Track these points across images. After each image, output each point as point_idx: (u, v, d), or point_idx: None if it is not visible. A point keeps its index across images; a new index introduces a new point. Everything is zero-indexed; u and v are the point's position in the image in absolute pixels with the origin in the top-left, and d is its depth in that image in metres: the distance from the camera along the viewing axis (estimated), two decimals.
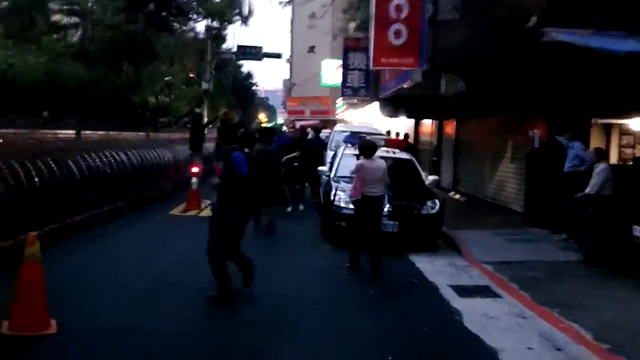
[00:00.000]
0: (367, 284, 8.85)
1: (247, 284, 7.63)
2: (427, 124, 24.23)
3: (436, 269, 9.95)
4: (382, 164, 9.77)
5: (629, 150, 16.18)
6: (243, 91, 57.56)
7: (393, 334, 6.68)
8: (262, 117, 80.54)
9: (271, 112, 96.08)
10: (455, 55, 12.42)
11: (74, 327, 6.11)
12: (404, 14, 13.34)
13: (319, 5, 32.55)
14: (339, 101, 35.18)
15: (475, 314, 7.54)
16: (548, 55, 10.83)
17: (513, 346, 6.42)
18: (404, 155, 13.53)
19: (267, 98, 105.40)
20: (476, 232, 13.01)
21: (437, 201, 11.78)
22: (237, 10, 31.85)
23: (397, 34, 13.41)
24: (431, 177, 13.26)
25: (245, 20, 32.03)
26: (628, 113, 13.21)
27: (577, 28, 10.71)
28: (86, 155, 11.69)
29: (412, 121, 25.29)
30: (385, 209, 11.07)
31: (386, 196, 11.14)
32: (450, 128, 21.08)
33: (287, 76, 66.61)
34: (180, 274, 8.58)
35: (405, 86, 16.18)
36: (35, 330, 5.73)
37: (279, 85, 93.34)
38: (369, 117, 27.11)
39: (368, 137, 14.29)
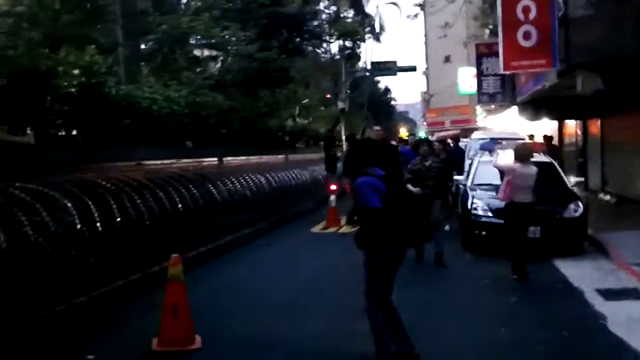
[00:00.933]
0: (510, 292, 8.63)
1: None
2: (571, 125, 23.23)
3: (581, 273, 9.50)
4: (535, 170, 9.52)
5: None
6: (382, 107, 58.00)
7: (534, 341, 6.48)
8: (402, 130, 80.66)
9: (411, 125, 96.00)
10: (590, 52, 11.91)
11: (217, 341, 6.45)
12: (532, 15, 12.94)
13: (451, 14, 32.27)
14: (478, 109, 34.54)
15: (620, 317, 7.16)
16: None
17: None
18: (544, 159, 13.07)
19: (406, 112, 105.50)
20: (625, 233, 12.27)
21: (579, 203, 11.28)
22: (369, 28, 32.31)
23: (527, 35, 13.03)
24: (574, 179, 12.76)
25: (377, 37, 32.45)
26: None
27: None
28: (227, 181, 12.30)
29: (555, 123, 24.36)
30: None
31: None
32: (595, 127, 20.08)
33: (424, 88, 66.23)
34: (320, 292, 8.77)
35: (541, 88, 15.64)
36: (182, 346, 6.10)
37: (418, 98, 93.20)
38: (509, 122, 26.39)
39: (504, 142, 14.10)
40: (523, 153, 9.51)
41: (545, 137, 19.88)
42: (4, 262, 5.94)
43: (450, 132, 38.49)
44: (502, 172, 9.92)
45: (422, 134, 52.87)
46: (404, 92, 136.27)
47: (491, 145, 14.29)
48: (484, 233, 11.04)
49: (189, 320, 6.20)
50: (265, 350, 6.29)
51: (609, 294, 8.24)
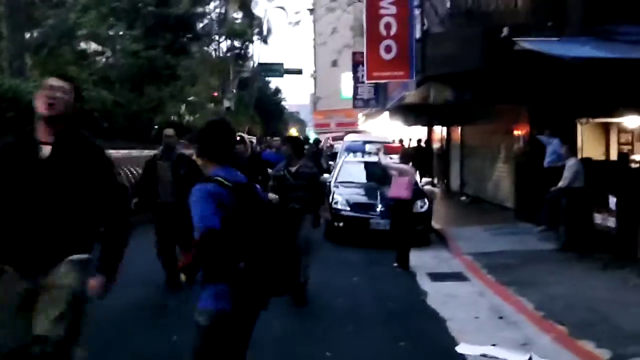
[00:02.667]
0: (354, 273, 9.95)
1: None
2: (438, 131, 25.23)
3: (421, 261, 10.96)
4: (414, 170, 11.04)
5: (627, 147, 17.03)
6: (272, 107, 59.10)
7: (366, 309, 7.82)
8: (292, 131, 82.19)
9: (302, 126, 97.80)
10: (441, 65, 13.45)
11: None
12: (393, 31, 14.49)
13: (337, 20, 33.86)
14: (359, 112, 36.39)
15: (439, 294, 8.64)
16: (525, 61, 11.80)
17: (462, 317, 7.49)
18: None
19: (298, 112, 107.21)
20: (468, 228, 14.04)
21: (425, 200, 12.84)
22: (257, 30, 33.39)
23: (388, 49, 14.58)
24: (425, 180, 14.38)
25: (265, 39, 33.55)
26: (612, 113, 14.10)
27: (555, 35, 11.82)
28: None
29: (425, 128, 26.30)
30: (378, 209, 12.33)
31: (379, 198, 12.44)
32: (456, 133, 22.09)
33: (313, 90, 67.99)
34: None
35: (403, 96, 17.29)
36: None
37: (309, 100, 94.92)
38: (385, 127, 28.18)
39: (370, 145, 15.61)
40: (408, 155, 11.02)
41: (398, 140, 21.67)
42: None
43: (335, 134, 40.14)
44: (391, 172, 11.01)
45: (311, 134, 54.43)
46: (296, 93, 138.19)
47: (359, 147, 15.84)
48: (341, 224, 12.39)
49: None
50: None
51: (437, 277, 9.77)
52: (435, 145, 25.41)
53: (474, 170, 19.65)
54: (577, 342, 6.34)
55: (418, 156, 21.96)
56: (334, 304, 8.00)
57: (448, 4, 13.66)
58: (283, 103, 73.10)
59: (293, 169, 7.90)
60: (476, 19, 13.00)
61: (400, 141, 24.06)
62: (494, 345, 6.35)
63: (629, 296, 8.03)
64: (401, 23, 14.48)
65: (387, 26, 14.53)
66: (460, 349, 6.29)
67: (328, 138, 35.08)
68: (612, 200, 10.05)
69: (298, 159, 8.01)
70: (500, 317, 7.47)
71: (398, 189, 10.59)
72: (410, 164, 11.25)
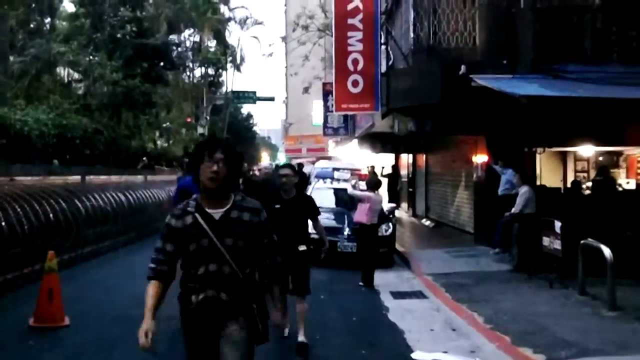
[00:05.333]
0: (321, 291, 10.75)
1: None
2: (405, 158, 26.25)
3: (384, 280, 11.83)
4: (381, 197, 11.95)
5: (583, 175, 18.12)
6: (244, 131, 59.94)
7: (332, 322, 8.64)
8: (264, 155, 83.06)
9: (273, 151, 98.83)
10: (405, 98, 14.39)
11: (83, 320, 8.08)
12: (360, 66, 15.48)
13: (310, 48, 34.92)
14: (329, 139, 37.39)
15: (400, 309, 9.52)
16: (481, 95, 12.77)
17: (418, 328, 8.37)
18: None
19: (269, 137, 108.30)
20: (430, 251, 14.96)
21: (390, 224, 13.74)
22: (231, 58, 34.28)
23: (355, 83, 15.56)
24: (389, 205, 15.30)
25: (238, 67, 34.44)
26: (566, 143, 15.11)
27: (509, 73, 12.86)
28: (90, 197, 13.73)
29: (392, 156, 27.34)
30: (345, 233, 13.19)
31: (346, 222, 13.30)
32: (421, 161, 23.10)
33: (284, 116, 69.03)
34: None
35: (370, 126, 18.25)
36: (53, 323, 7.72)
37: (280, 125, 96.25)
38: (354, 153, 29.18)
39: (339, 172, 16.46)
40: (374, 183, 11.92)
41: (370, 167, 22.64)
42: None
43: (305, 159, 41.00)
44: (357, 200, 12.11)
45: (282, 159, 55.28)
46: (267, 118, 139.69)
47: (328, 173, 16.71)
48: (312, 247, 13.16)
49: (60, 304, 7.82)
50: (117, 325, 7.96)
51: (398, 295, 10.65)
52: (403, 171, 26.43)
53: (438, 196, 20.64)
54: (518, 348, 7.21)
55: (389, 182, 23.08)
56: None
57: (411, 42, 14.62)
58: (255, 128, 73.95)
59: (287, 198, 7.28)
60: (436, 56, 13.92)
61: (372, 168, 25.09)
62: (445, 352, 7.21)
63: (568, 310, 8.96)
64: (367, 59, 15.47)
65: (355, 62, 15.52)
66: (415, 355, 7.14)
67: (300, 164, 35.92)
68: (558, 225, 11.03)
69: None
70: (453, 329, 8.36)
71: (360, 215, 11.62)
72: (378, 190, 12.16)
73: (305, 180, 18.26)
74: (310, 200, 7.72)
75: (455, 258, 13.86)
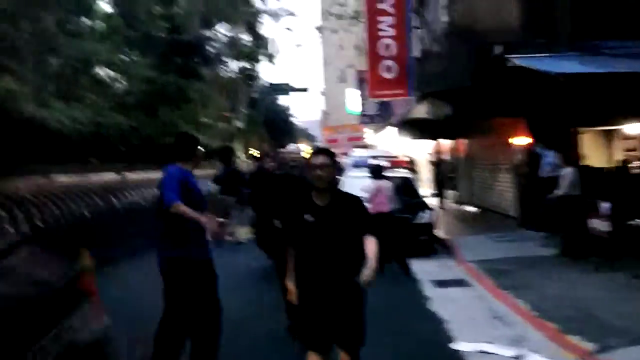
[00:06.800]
0: None
1: None
2: (445, 144, 25.84)
3: (425, 269, 11.59)
4: (389, 183, 11.66)
5: (632, 154, 17.49)
6: (282, 124, 59.95)
7: (368, 312, 8.40)
8: (303, 146, 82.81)
9: (311, 141, 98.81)
10: (437, 82, 14.13)
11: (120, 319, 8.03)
12: (392, 52, 15.21)
13: (346, 37, 34.59)
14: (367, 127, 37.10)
15: (441, 298, 9.27)
16: (519, 76, 12.42)
17: (460, 318, 8.11)
18: (403, 173, 15.30)
19: (307, 129, 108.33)
20: (472, 237, 14.65)
21: (428, 212, 13.47)
22: (265, 51, 34.24)
23: (388, 68, 15.31)
24: (428, 191, 15.01)
25: (271, 59, 34.36)
26: (610, 121, 14.64)
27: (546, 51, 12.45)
28: (127, 194, 13.78)
29: (432, 142, 26.92)
30: None
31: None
32: (462, 146, 22.68)
33: (324, 106, 68.90)
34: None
35: (409, 111, 17.97)
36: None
37: (319, 116, 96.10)
38: (391, 141, 28.86)
39: (375, 160, 16.21)
40: (377, 171, 11.64)
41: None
42: None
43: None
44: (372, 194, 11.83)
45: None
46: (306, 110, 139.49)
47: (364, 162, 16.49)
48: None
49: (97, 301, 7.77)
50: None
51: (440, 283, 10.38)
52: (445, 157, 26.04)
53: (480, 181, 20.24)
54: (565, 337, 6.94)
55: (434, 170, 22.70)
56: None
57: (443, 24, 14.31)
58: (293, 120, 73.91)
59: None
60: (470, 38, 13.61)
61: (409, 158, 24.83)
62: (488, 342, 6.96)
63: (617, 295, 8.62)
64: (400, 44, 15.21)
65: (387, 47, 15.26)
66: (456, 345, 6.91)
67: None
68: (605, 206, 10.63)
69: None
70: (496, 318, 8.08)
71: (378, 205, 11.29)
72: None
73: (381, 170, 17.99)
74: (359, 204, 4.79)
75: (499, 243, 13.53)
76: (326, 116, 60.78)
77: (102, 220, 11.66)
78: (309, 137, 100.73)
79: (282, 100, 61.15)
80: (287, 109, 67.26)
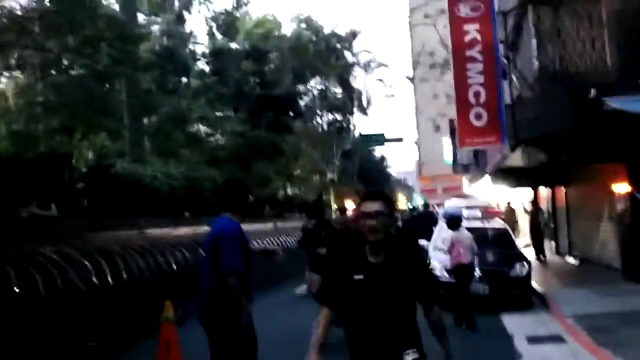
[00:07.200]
0: (450, 335, 10.19)
1: None
2: (544, 192, 24.98)
3: (519, 323, 11.06)
4: (468, 234, 11.34)
5: None
6: (377, 175, 59.93)
7: None
8: (400, 197, 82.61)
9: (409, 192, 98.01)
10: (531, 129, 13.61)
11: None
12: (482, 99, 14.89)
13: (438, 85, 34.35)
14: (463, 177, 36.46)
15: (533, 356, 8.78)
16: (616, 119, 11.85)
17: None
18: (499, 225, 14.80)
19: (405, 179, 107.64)
20: (571, 290, 13.90)
21: (525, 264, 12.90)
22: (357, 103, 34.53)
23: (478, 116, 14.96)
24: (524, 243, 14.43)
25: (364, 110, 34.56)
26: None
27: None
28: None
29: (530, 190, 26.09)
30: (476, 274, 12.51)
31: (476, 262, 12.63)
32: (560, 194, 21.85)
33: (417, 157, 68.44)
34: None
35: (503, 159, 17.46)
36: None
37: (414, 166, 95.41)
38: (488, 190, 28.17)
39: (469, 210, 15.80)
40: (453, 222, 11.36)
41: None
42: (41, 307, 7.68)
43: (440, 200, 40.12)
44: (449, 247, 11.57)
45: (419, 200, 54.67)
46: (401, 160, 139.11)
47: (456, 212, 16.05)
48: (440, 291, 12.61)
49: (178, 353, 7.82)
50: None
51: (534, 339, 9.82)
52: (543, 206, 25.14)
53: (580, 231, 19.35)
54: None
55: (530, 219, 21.89)
56: None
57: (535, 69, 13.89)
58: (389, 170, 73.74)
59: None
60: (563, 81, 13.12)
61: (508, 204, 24.19)
62: None
63: None
64: (489, 90, 14.88)
65: (476, 94, 14.97)
66: None
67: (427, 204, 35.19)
68: None
69: None
70: None
71: (457, 257, 11.13)
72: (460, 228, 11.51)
73: (432, 221, 17.68)
74: (421, 260, 4.12)
75: (600, 297, 12.73)
76: (421, 166, 60.16)
77: (189, 272, 11.81)
78: (407, 188, 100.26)
79: (378, 151, 61.36)
80: (383, 159, 67.31)
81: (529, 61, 15.30)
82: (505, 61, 16.05)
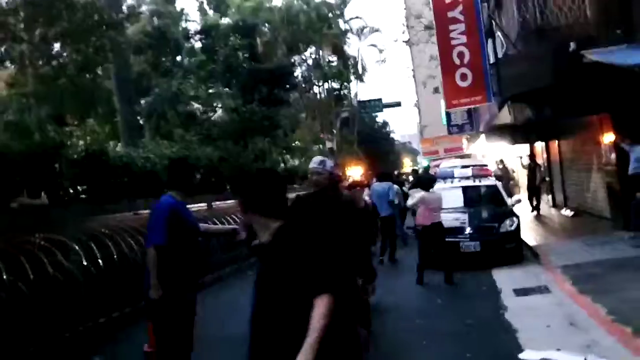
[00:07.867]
0: (442, 293, 10.59)
1: None
2: (539, 147, 25.09)
3: (509, 278, 11.33)
4: (439, 195, 11.73)
5: None
6: (381, 140, 59.87)
7: (443, 325, 8.40)
8: (405, 161, 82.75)
9: (415, 156, 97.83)
10: (516, 85, 13.75)
11: (200, 343, 8.35)
12: (466, 59, 15.02)
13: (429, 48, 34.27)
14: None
15: (519, 307, 9.06)
16: (599, 71, 11.94)
17: (534, 326, 7.89)
18: (489, 182, 15.02)
19: (409, 142, 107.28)
20: (564, 242, 14.17)
21: (514, 219, 13.13)
22: (353, 70, 34.54)
23: (463, 77, 15.11)
24: (514, 198, 14.66)
25: (360, 77, 34.58)
26: None
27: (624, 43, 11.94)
28: (216, 222, 14.23)
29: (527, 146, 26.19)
30: (467, 232, 12.80)
31: (467, 219, 12.93)
32: (554, 149, 22.00)
33: (419, 119, 68.38)
34: None
35: (494, 118, 17.62)
36: None
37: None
38: (487, 149, 28.29)
39: (460, 170, 16.01)
40: (424, 183, 11.71)
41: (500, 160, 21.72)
42: (30, 293, 7.98)
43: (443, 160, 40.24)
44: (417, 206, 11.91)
45: (424, 162, 54.75)
46: (405, 123, 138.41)
47: (448, 173, 16.31)
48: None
49: None
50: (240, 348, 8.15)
51: (521, 292, 10.11)
52: (539, 161, 25.26)
53: (573, 183, 19.57)
54: (638, 340, 6.62)
55: (528, 174, 22.09)
56: (414, 324, 8.61)
57: (518, 25, 14.00)
58: (393, 135, 73.61)
59: None
60: (545, 37, 13.23)
61: (501, 161, 24.35)
62: (558, 349, 6.74)
63: None
64: (473, 50, 15.00)
65: (460, 55, 15.11)
66: (523, 355, 6.74)
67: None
68: None
69: None
70: (571, 324, 7.80)
71: (421, 218, 11.63)
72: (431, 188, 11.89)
73: (431, 181, 17.81)
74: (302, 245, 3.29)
75: (590, 247, 12.97)
76: (423, 129, 60.21)
77: None
78: (412, 151, 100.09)
79: (380, 117, 61.23)
80: (386, 124, 67.15)
81: (512, 19, 15.42)
82: (489, 20, 16.14)
